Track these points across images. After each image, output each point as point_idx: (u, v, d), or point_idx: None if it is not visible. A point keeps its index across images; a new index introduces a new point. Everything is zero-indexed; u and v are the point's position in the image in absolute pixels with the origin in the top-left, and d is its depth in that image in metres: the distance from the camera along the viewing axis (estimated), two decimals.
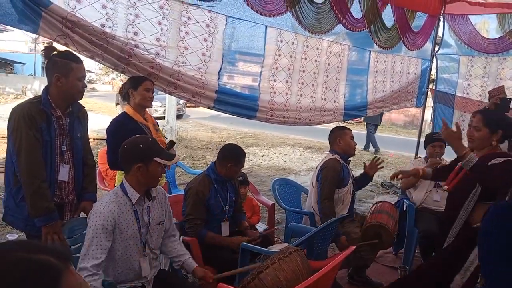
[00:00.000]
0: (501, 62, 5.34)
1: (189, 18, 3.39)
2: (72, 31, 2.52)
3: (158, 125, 3.13)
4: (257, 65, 4.10)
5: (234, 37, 3.88)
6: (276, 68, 4.16)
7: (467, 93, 5.57)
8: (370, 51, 5.15)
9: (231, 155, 2.68)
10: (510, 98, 4.44)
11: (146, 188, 1.96)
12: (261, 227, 3.40)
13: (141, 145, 1.89)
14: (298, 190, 3.72)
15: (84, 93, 2.29)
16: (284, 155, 8.99)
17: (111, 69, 4.45)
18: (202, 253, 2.41)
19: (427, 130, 5.95)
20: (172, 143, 2.39)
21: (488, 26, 5.57)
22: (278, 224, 4.39)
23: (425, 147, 3.72)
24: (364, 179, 3.36)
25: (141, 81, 2.80)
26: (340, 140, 3.13)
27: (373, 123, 9.82)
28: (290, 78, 4.31)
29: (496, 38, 5.27)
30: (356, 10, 4.48)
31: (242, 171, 5.27)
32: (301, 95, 4.45)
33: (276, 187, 3.47)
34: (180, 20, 3.34)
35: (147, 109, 2.97)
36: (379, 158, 3.36)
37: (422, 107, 5.94)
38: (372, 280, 3.21)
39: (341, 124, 4.07)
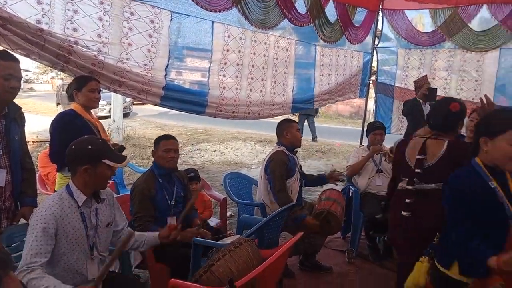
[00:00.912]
0: (434, 54, 5.73)
1: (132, 14, 3.31)
2: (3, 28, 2.39)
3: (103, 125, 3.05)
4: (206, 61, 4.10)
5: (181, 33, 3.85)
6: (225, 63, 4.18)
7: (405, 84, 5.93)
8: (315, 45, 5.32)
9: (156, 140, 2.73)
10: (436, 88, 4.82)
11: (94, 190, 1.91)
12: (213, 221, 3.43)
13: (90, 146, 1.84)
14: (250, 183, 3.79)
15: (20, 94, 2.18)
16: (236, 150, 9.05)
17: (49, 68, 4.23)
18: (153, 251, 2.40)
19: (370, 119, 6.25)
20: (121, 148, 2.34)
21: (423, 20, 5.94)
22: (231, 217, 4.45)
23: (367, 136, 3.93)
24: (320, 181, 3.58)
25: (85, 82, 2.72)
26: (287, 133, 3.23)
27: (309, 114, 10.16)
28: (239, 73, 4.35)
29: (429, 32, 5.64)
30: (301, 6, 4.60)
31: (194, 167, 5.31)
32: (250, 90, 4.51)
33: (227, 181, 3.52)
34: (123, 16, 3.26)
35: (92, 110, 2.90)
36: (340, 173, 3.58)
37: (365, 98, 6.24)
38: (321, 264, 3.36)
39: (289, 117, 4.19)
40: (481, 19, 5.30)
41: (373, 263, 3.51)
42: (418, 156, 2.24)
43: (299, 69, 5.26)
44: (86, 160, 1.82)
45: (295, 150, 3.32)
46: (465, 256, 1.60)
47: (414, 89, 5.16)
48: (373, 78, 6.36)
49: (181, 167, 4.21)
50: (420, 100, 4.53)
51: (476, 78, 5.43)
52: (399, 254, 2.61)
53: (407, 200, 2.25)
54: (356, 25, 5.48)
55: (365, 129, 4.72)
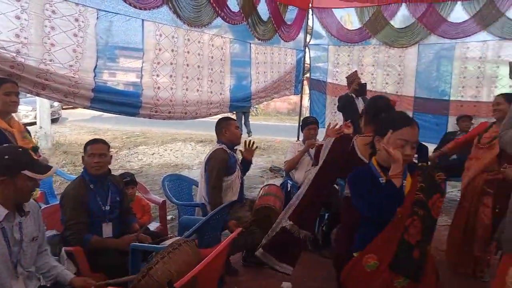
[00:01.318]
0: (361, 51, 6.06)
1: (53, 12, 3.12)
2: None
3: (29, 132, 2.83)
4: (138, 61, 3.98)
5: (111, 32, 3.70)
6: (158, 62, 4.08)
7: (337, 79, 6.21)
8: (250, 44, 5.38)
9: (84, 145, 2.61)
10: (366, 83, 5.12)
11: (16, 204, 1.78)
12: (153, 226, 3.35)
13: (6, 156, 1.70)
14: (189, 183, 3.74)
15: None
16: (176, 151, 8.88)
17: None
18: (89, 261, 2.29)
19: (306, 115, 6.48)
20: (35, 148, 2.18)
21: (352, 18, 6.25)
22: (173, 220, 4.36)
23: (302, 131, 4.06)
24: (245, 164, 3.52)
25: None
26: (226, 131, 3.24)
27: (244, 111, 10.31)
28: (174, 73, 4.28)
29: (356, 29, 5.96)
30: (233, 4, 4.63)
31: (131, 171, 5.13)
32: (186, 89, 4.45)
33: (166, 184, 3.44)
34: (43, 14, 3.06)
35: (14, 115, 2.68)
36: (251, 141, 3.51)
37: (300, 95, 6.45)
38: None
39: (227, 115, 4.20)
40: (402, 16, 5.70)
41: (313, 253, 3.64)
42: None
43: (236, 68, 5.29)
44: (2, 172, 1.68)
45: (235, 148, 3.34)
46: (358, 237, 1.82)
47: (345, 84, 5.43)
48: (307, 75, 6.58)
49: (118, 172, 4.05)
50: (353, 95, 4.76)
51: (399, 72, 5.84)
52: (336, 245, 2.73)
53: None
54: (288, 23, 5.63)
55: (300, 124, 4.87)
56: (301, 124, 4.16)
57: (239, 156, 3.40)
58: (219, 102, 4.88)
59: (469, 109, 5.38)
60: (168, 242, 2.39)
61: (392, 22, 5.62)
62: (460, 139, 3.84)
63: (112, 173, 2.73)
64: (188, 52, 4.39)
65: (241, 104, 5.63)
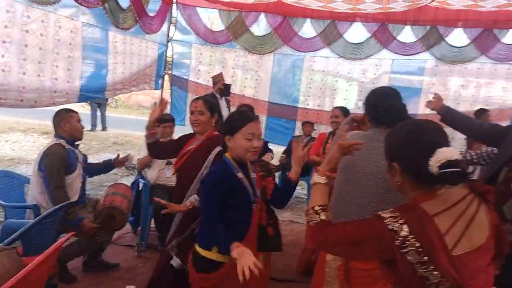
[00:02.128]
0: (223, 53, 6.22)
1: None
2: None
3: None
4: None
5: None
6: None
7: (198, 78, 6.24)
8: (107, 31, 4.98)
9: None
10: (230, 84, 5.27)
11: None
12: None
13: None
14: (21, 182, 3.26)
15: None
16: (13, 143, 7.69)
17: None
18: None
19: (168, 111, 6.33)
20: None
21: (217, 19, 6.34)
22: None
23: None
24: (108, 168, 3.42)
25: None
26: (65, 124, 2.93)
27: (100, 102, 9.70)
28: (7, 52, 3.66)
29: (219, 31, 6.08)
30: None
31: None
32: (24, 73, 3.85)
33: None
34: None
35: None
36: (125, 156, 3.49)
37: (160, 90, 6.27)
38: (108, 262, 3.22)
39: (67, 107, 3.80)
40: (262, 25, 6.06)
41: (163, 252, 3.57)
42: None
43: (90, 55, 4.84)
44: None
45: (76, 143, 3.04)
46: (218, 237, 1.81)
47: (207, 84, 5.49)
48: (169, 70, 6.44)
49: None
50: (217, 95, 4.84)
51: (257, 77, 6.19)
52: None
53: None
54: (151, 14, 5.41)
55: None
56: None
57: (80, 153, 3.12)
58: (66, 90, 4.37)
59: (313, 116, 6.03)
60: None
61: (252, 29, 5.91)
62: (312, 153, 4.10)
63: None
64: (27, 31, 3.82)
65: (94, 95, 5.15)
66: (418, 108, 5.98)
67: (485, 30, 5.34)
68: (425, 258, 1.00)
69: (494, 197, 2.14)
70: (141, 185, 3.72)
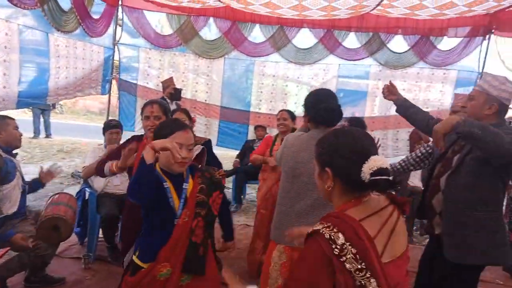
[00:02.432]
0: (172, 57, 6.13)
1: None
2: None
3: None
4: None
5: None
6: None
7: (147, 83, 6.11)
8: (48, 33, 4.75)
9: None
10: (181, 89, 5.21)
11: None
12: None
13: None
14: None
15: None
16: None
17: None
18: None
19: (116, 117, 6.13)
20: None
21: (166, 23, 6.22)
22: None
23: (103, 134, 3.81)
24: (37, 186, 3.15)
25: None
26: (1, 131, 2.74)
27: (44, 108, 9.22)
28: None
29: (168, 35, 5.99)
30: None
31: None
32: None
33: None
34: None
35: None
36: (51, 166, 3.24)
37: (108, 95, 6.06)
38: (52, 277, 3.04)
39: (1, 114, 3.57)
40: (212, 30, 6.05)
41: (112, 263, 3.44)
42: None
43: (30, 59, 4.59)
44: None
45: (14, 151, 2.86)
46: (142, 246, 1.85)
47: (155, 88, 5.37)
48: (117, 74, 6.24)
49: None
50: (167, 99, 4.75)
51: (208, 81, 6.17)
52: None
53: None
54: (95, 17, 5.22)
55: None
56: (103, 127, 3.88)
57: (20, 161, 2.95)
58: (2, 97, 4.12)
59: (265, 120, 6.11)
60: None
61: (201, 34, 5.88)
62: (255, 153, 4.08)
63: None
64: None
65: (35, 101, 4.90)
66: (365, 110, 6.26)
67: (422, 37, 5.70)
68: (363, 264, 1.01)
69: (429, 190, 2.27)
70: (87, 194, 3.56)
